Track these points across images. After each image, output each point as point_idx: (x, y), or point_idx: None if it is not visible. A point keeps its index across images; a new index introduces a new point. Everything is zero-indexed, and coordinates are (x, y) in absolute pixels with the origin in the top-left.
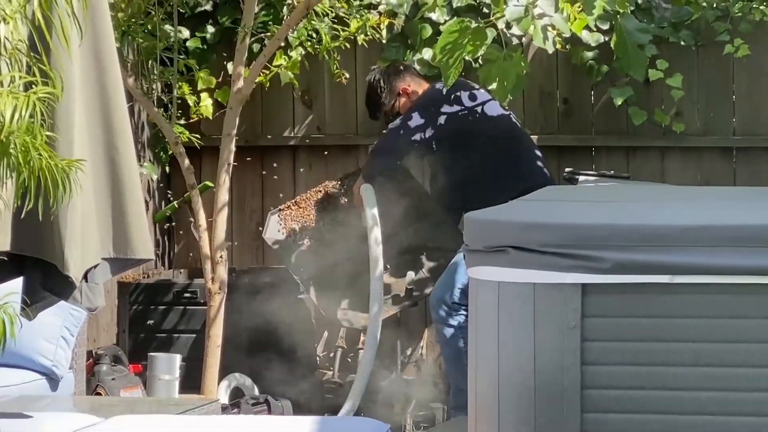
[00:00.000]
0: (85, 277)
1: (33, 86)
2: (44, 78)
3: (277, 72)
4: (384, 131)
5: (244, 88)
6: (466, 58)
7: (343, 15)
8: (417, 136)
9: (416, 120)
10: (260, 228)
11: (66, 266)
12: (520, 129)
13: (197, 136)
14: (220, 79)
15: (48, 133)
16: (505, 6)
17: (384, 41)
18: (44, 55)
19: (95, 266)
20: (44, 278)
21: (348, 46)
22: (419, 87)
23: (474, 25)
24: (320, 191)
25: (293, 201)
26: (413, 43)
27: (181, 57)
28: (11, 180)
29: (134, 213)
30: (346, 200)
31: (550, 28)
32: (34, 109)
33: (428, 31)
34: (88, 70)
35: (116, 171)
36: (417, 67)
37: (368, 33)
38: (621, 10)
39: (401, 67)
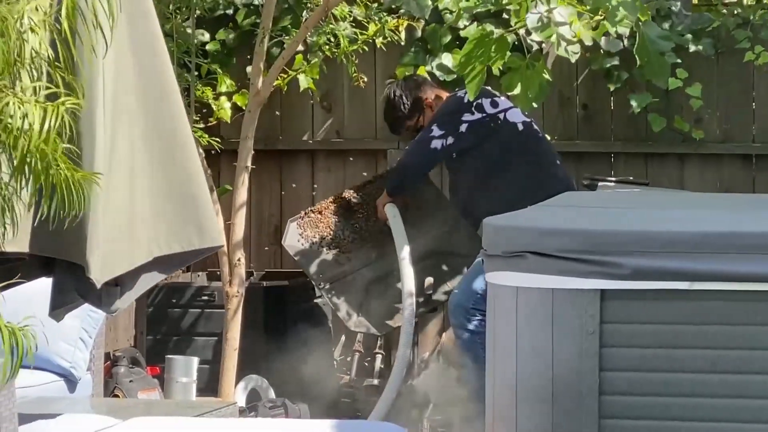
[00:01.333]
0: (116, 281)
1: (57, 97)
2: (67, 89)
3: (296, 77)
4: (407, 146)
5: (262, 91)
6: (491, 67)
7: (362, 19)
8: (439, 146)
9: (438, 131)
10: (278, 231)
11: (88, 268)
12: (542, 135)
13: (217, 139)
14: (239, 83)
15: (67, 145)
16: (526, 14)
17: (403, 43)
18: (68, 64)
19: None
20: (74, 280)
21: (366, 49)
22: (439, 98)
23: (495, 33)
24: (339, 199)
25: (312, 208)
26: (432, 48)
27: (206, 61)
28: (32, 183)
29: (201, 200)
30: (369, 209)
31: (570, 36)
32: (63, 121)
33: (448, 36)
34: (145, 65)
35: (172, 161)
36: (437, 72)
37: (387, 36)
38: (643, 18)
39: (420, 80)
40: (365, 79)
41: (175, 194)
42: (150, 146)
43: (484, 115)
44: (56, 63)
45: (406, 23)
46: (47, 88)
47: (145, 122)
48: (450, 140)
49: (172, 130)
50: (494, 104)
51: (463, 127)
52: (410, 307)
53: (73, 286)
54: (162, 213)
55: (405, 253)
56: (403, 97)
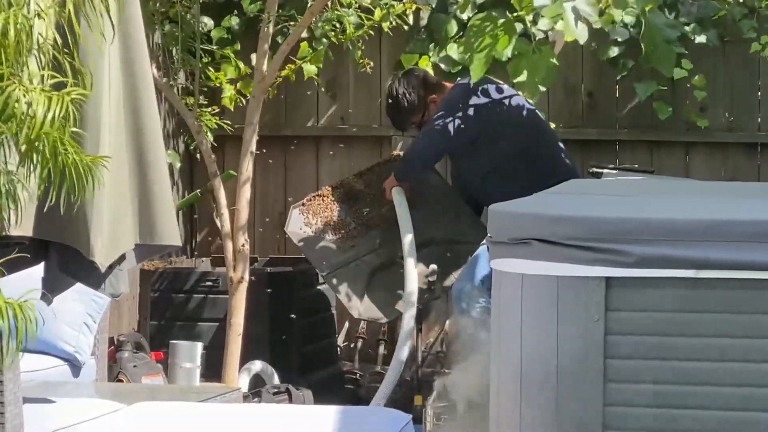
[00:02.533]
0: (111, 264)
1: (64, 85)
2: (75, 75)
3: (301, 66)
4: (418, 134)
5: (267, 77)
6: (497, 56)
7: (368, 5)
8: (449, 136)
9: (447, 120)
10: (283, 217)
11: (92, 252)
12: (545, 123)
13: (227, 121)
14: (243, 72)
15: (75, 129)
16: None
17: (409, 27)
18: (75, 50)
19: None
20: (67, 264)
21: (372, 34)
22: (443, 90)
23: (501, 19)
24: (342, 185)
25: (315, 194)
26: (438, 39)
27: (215, 47)
28: (36, 171)
29: (161, 199)
30: (372, 195)
31: (579, 19)
32: (67, 110)
33: (454, 27)
34: (118, 58)
35: (144, 157)
36: (441, 64)
37: (393, 21)
38: (649, 7)
39: (420, 75)
40: (371, 65)
41: (135, 189)
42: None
43: (489, 100)
44: (64, 50)
45: (414, 7)
46: (53, 76)
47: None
48: (459, 128)
49: (139, 129)
50: (499, 90)
51: (470, 111)
52: (411, 307)
53: (71, 271)
54: (133, 203)
55: (409, 245)
56: (407, 95)
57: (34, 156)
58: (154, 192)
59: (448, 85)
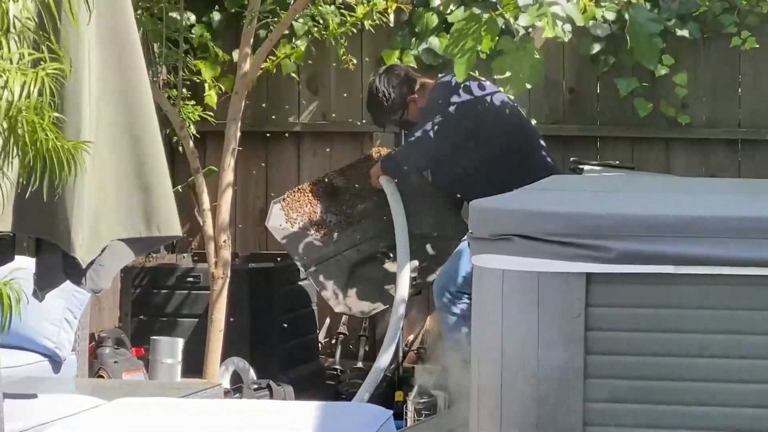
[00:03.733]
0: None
1: (42, 63)
2: (52, 56)
3: (282, 61)
4: (408, 137)
5: (249, 73)
6: (480, 52)
7: (350, 1)
8: (437, 139)
9: (434, 122)
10: (264, 213)
11: (72, 247)
12: (527, 120)
13: (210, 113)
14: (225, 66)
15: (56, 114)
16: None
17: (391, 25)
18: (52, 33)
19: (105, 248)
20: (59, 259)
21: (354, 31)
22: (424, 88)
23: (485, 16)
24: (323, 181)
25: (296, 189)
26: (420, 32)
27: (199, 36)
28: (17, 159)
29: (160, 191)
30: (353, 191)
31: (560, 20)
32: (43, 85)
33: (434, 20)
34: (107, 48)
35: (140, 149)
36: (423, 57)
37: (375, 18)
38: (633, 0)
39: (403, 73)
40: (354, 62)
41: (127, 181)
42: (112, 129)
43: (471, 96)
44: (41, 32)
45: (395, 6)
46: (30, 54)
47: (107, 108)
48: (445, 131)
49: (133, 121)
50: (481, 87)
51: (455, 113)
52: (400, 314)
53: (61, 266)
54: (117, 197)
55: (404, 249)
56: (386, 93)
57: (11, 141)
58: (152, 183)
59: (429, 82)
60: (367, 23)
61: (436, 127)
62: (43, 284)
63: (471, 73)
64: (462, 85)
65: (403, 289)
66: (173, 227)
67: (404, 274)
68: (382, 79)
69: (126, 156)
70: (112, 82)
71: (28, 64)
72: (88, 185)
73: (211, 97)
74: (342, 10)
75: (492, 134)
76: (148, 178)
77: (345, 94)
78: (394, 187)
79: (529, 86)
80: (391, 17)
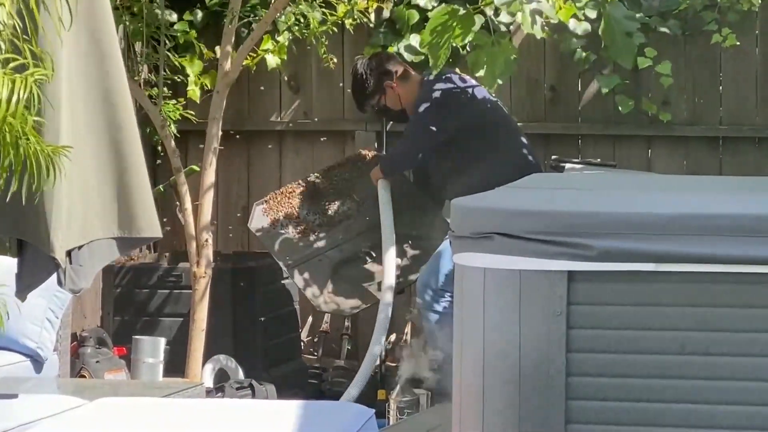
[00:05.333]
0: (69, 257)
1: (26, 68)
2: (35, 60)
3: (264, 57)
4: (404, 133)
5: (231, 72)
6: (455, 44)
7: (332, 0)
8: (430, 135)
9: (427, 119)
10: (246, 212)
11: (52, 248)
12: (508, 116)
13: (191, 112)
14: (207, 64)
15: (36, 118)
16: None
17: (372, 25)
18: (34, 37)
19: (83, 248)
20: (41, 259)
21: (336, 30)
22: (405, 78)
23: (462, 11)
24: (305, 182)
25: (278, 191)
26: (401, 29)
27: (179, 32)
28: None
29: (139, 192)
30: (330, 196)
31: (537, 14)
32: (31, 92)
33: (415, 16)
34: (86, 50)
35: (119, 150)
36: (404, 53)
37: (356, 18)
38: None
39: (385, 59)
40: (335, 61)
41: (107, 182)
42: (92, 131)
43: (454, 85)
44: (24, 36)
45: (375, 5)
46: (14, 59)
47: (87, 111)
48: (438, 128)
49: (113, 123)
50: (462, 80)
51: (445, 110)
52: (388, 302)
53: (45, 266)
54: (109, 196)
55: (389, 239)
56: (365, 75)
57: None
58: (131, 184)
59: (414, 73)
60: (347, 23)
61: (429, 124)
62: (25, 284)
63: (454, 70)
64: (443, 77)
65: (389, 276)
66: (153, 228)
67: (390, 258)
68: (364, 63)
69: (106, 157)
70: (93, 85)
71: (9, 68)
72: (67, 187)
73: (194, 92)
74: (324, 10)
75: (476, 132)
76: (128, 179)
77: (327, 93)
78: (389, 198)
79: (500, 81)
80: (372, 17)
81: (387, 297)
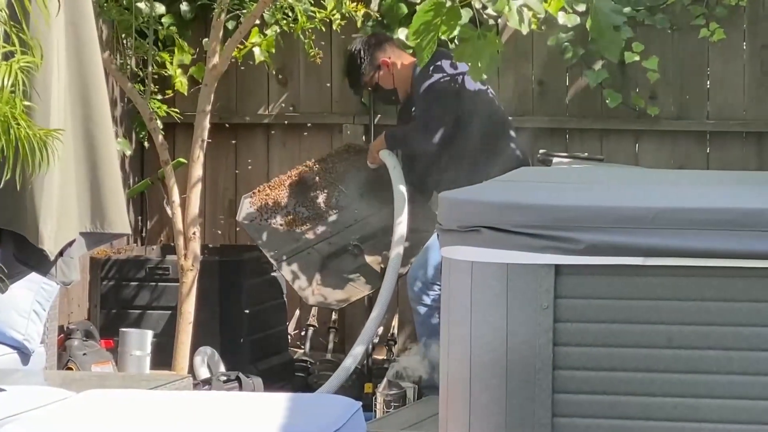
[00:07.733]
0: (61, 251)
1: (13, 55)
2: (23, 47)
3: (252, 50)
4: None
5: (219, 65)
6: (441, 37)
7: None
8: (436, 124)
9: (435, 108)
10: (233, 205)
11: (41, 240)
12: (497, 105)
13: (176, 110)
14: (195, 56)
15: (26, 102)
16: None
17: (359, 25)
18: (23, 23)
19: (72, 241)
20: (20, 251)
21: (324, 28)
22: (400, 59)
23: (448, 4)
24: (293, 175)
25: (266, 185)
26: (389, 23)
27: (164, 26)
28: None
29: (111, 187)
30: (318, 189)
31: (525, 9)
32: (16, 78)
33: (404, 10)
34: (67, 42)
35: (93, 144)
36: None
37: (345, 14)
38: None
39: (382, 39)
40: (322, 56)
41: (83, 176)
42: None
43: (444, 74)
44: (12, 23)
45: (363, 10)
46: (3, 47)
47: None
48: (441, 117)
49: (88, 117)
50: (454, 66)
51: (449, 99)
52: (397, 257)
53: (24, 258)
54: (82, 190)
55: (402, 200)
56: (362, 53)
57: None
58: (104, 180)
59: (408, 56)
60: (336, 23)
61: (435, 113)
62: (8, 275)
63: (447, 50)
64: (432, 66)
65: (401, 229)
66: (123, 224)
67: (403, 217)
68: (362, 40)
69: (82, 154)
70: (73, 77)
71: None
72: (56, 177)
73: (182, 83)
74: (312, 6)
75: (461, 121)
76: (101, 174)
77: (314, 86)
78: (396, 161)
79: (485, 76)
80: (359, 22)
81: (397, 249)
